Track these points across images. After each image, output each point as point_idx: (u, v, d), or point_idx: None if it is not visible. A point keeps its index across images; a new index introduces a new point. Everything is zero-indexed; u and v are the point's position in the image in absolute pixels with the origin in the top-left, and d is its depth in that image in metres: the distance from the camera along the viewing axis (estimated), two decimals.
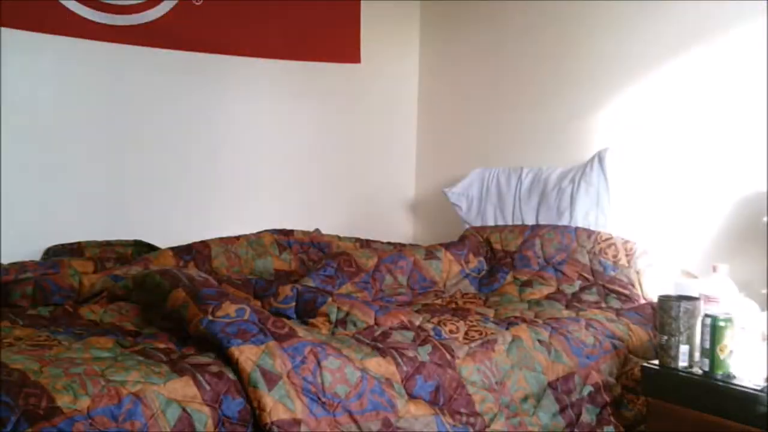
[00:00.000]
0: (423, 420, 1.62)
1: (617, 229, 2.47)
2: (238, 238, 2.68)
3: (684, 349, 1.76)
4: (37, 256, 2.55)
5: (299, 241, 2.78)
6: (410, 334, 1.81)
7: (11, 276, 2.18)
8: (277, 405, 1.47)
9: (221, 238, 2.65)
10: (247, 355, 1.52)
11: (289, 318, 1.89)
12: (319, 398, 1.53)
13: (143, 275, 2.01)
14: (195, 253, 2.54)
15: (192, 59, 2.92)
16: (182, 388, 1.43)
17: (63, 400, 1.32)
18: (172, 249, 2.53)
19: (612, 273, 2.36)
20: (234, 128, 3.08)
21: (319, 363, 1.57)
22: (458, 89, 3.42)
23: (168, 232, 2.75)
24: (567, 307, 2.24)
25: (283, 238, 2.76)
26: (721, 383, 1.68)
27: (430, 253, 2.58)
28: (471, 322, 1.95)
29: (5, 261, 2.35)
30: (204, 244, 2.60)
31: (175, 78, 2.91)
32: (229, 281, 2.19)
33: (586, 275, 2.40)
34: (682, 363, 1.76)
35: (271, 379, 1.49)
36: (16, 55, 2.54)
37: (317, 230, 2.96)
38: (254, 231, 2.78)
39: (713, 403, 1.69)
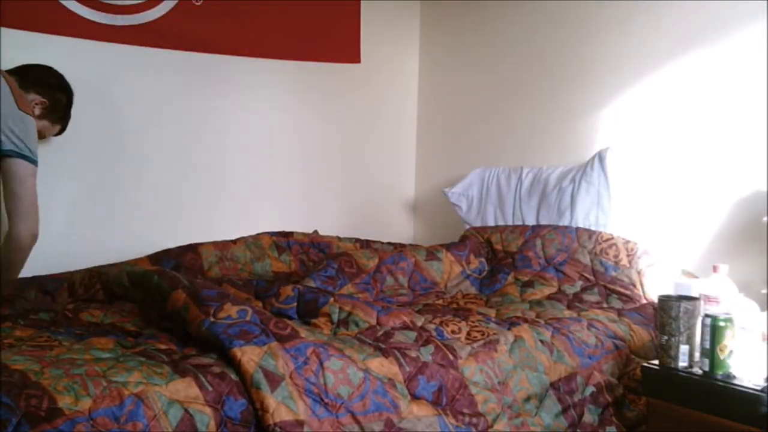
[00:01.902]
0: (426, 420, 1.62)
1: (618, 229, 2.47)
2: (235, 242, 2.64)
3: (684, 349, 1.76)
4: None
5: (299, 242, 2.77)
6: (413, 335, 1.81)
7: None
8: (279, 406, 1.46)
9: (218, 242, 2.63)
10: (249, 356, 1.52)
11: (290, 318, 1.88)
12: (322, 399, 1.52)
13: (140, 273, 1.98)
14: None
15: (192, 59, 2.92)
16: (184, 389, 1.42)
17: (64, 401, 1.31)
18: (170, 250, 2.51)
19: (613, 273, 2.36)
20: (233, 128, 3.07)
21: (321, 364, 1.57)
22: (458, 89, 3.42)
23: (166, 233, 2.74)
24: (568, 307, 2.24)
25: (282, 239, 2.74)
26: (721, 383, 1.68)
27: (430, 253, 2.58)
28: (473, 322, 1.95)
29: None
30: (202, 245, 2.58)
31: (175, 78, 2.90)
32: (230, 282, 2.18)
33: (587, 275, 2.40)
34: (682, 363, 1.76)
35: (274, 380, 1.49)
36: (16, 55, 2.53)
37: (315, 231, 2.95)
38: (253, 232, 2.77)
39: (713, 403, 1.69)
